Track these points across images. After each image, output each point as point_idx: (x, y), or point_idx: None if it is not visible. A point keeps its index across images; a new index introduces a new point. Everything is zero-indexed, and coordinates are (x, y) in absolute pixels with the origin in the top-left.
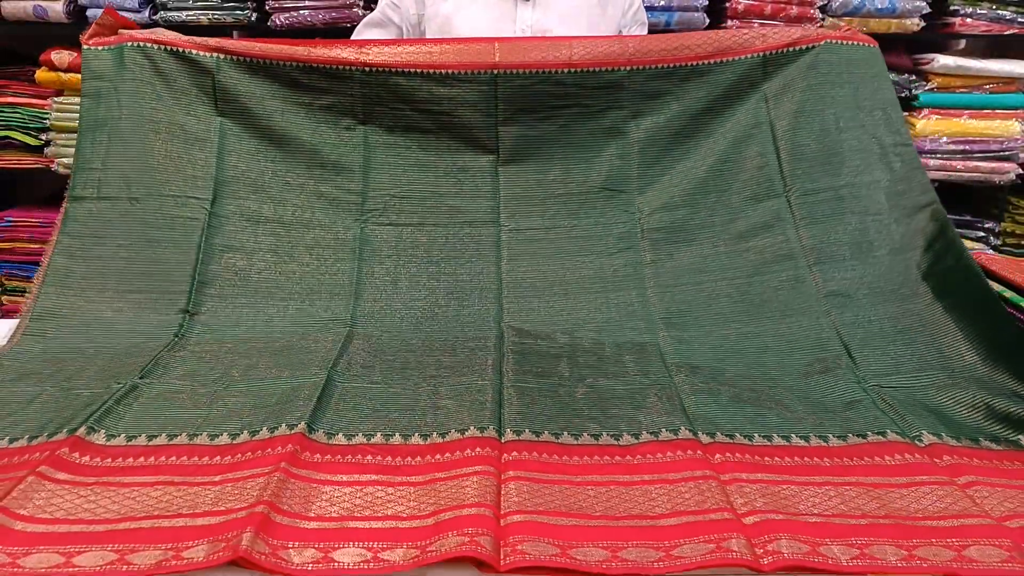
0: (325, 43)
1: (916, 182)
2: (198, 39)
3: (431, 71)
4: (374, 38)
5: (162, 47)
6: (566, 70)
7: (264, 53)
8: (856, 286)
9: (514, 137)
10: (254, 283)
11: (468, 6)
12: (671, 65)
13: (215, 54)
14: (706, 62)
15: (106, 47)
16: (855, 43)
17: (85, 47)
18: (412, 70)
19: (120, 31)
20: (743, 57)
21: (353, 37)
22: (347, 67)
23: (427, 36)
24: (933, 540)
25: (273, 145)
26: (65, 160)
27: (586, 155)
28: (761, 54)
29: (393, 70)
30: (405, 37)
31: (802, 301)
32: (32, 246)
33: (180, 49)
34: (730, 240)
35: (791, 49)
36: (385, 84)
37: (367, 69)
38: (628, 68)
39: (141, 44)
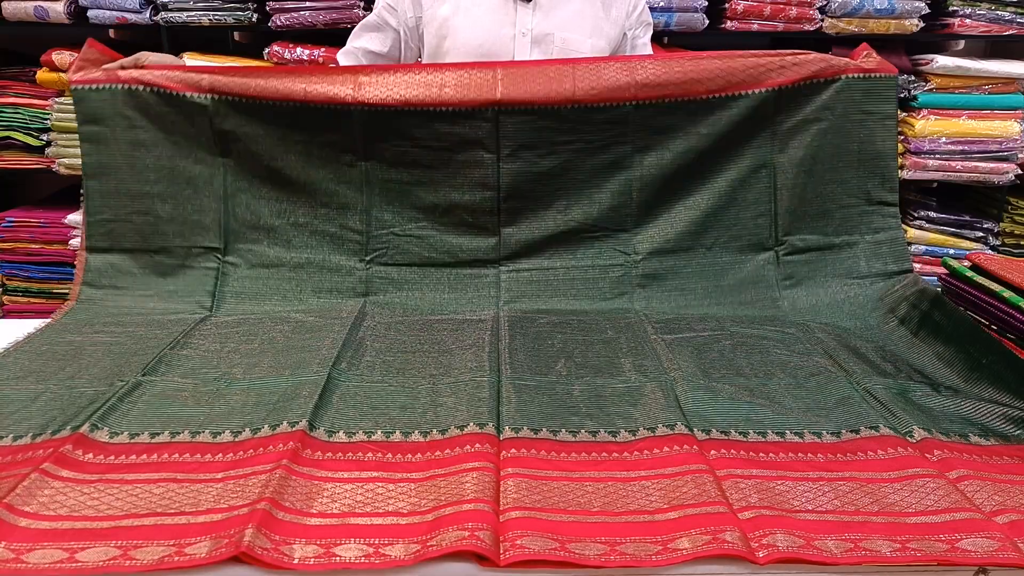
0: (321, 72)
1: (896, 249)
2: (188, 75)
3: (432, 108)
4: (370, 47)
5: (152, 90)
6: (569, 106)
7: (260, 92)
8: (840, 336)
9: (515, 173)
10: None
11: (468, 9)
12: (680, 99)
13: (209, 95)
14: (718, 95)
15: (95, 86)
16: (877, 75)
17: (72, 85)
18: (412, 108)
19: (105, 67)
20: (757, 91)
21: (349, 42)
22: (346, 105)
23: (425, 40)
24: (927, 536)
25: (276, 186)
26: (66, 161)
27: (587, 191)
28: (776, 88)
29: (392, 109)
30: (402, 41)
31: (788, 355)
32: (33, 246)
33: (172, 92)
34: (719, 294)
35: (810, 82)
36: (385, 122)
37: (366, 108)
38: (634, 103)
39: (131, 88)
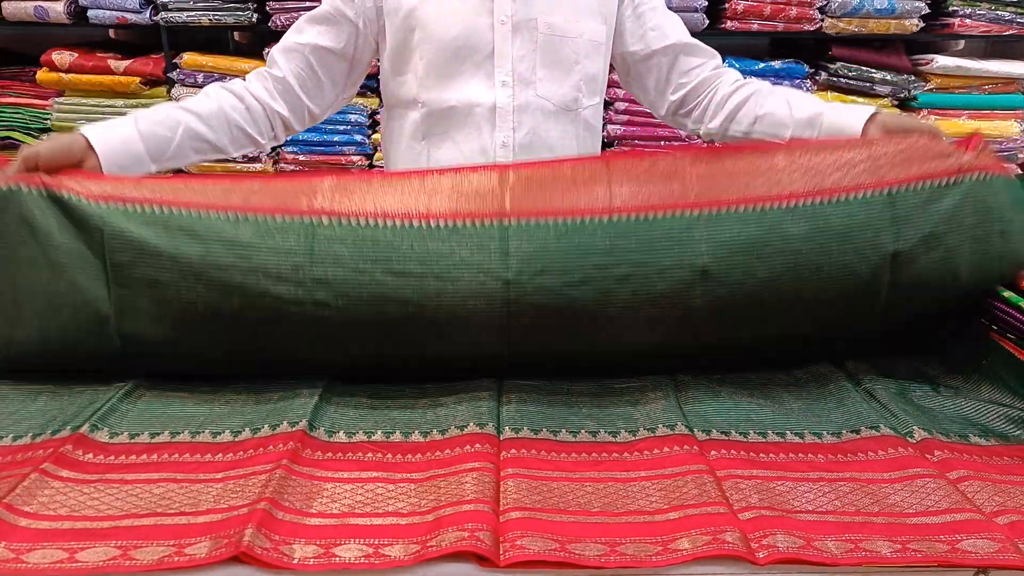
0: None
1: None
2: (86, 185)
3: (421, 223)
4: (321, 42)
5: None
6: (605, 219)
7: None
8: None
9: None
10: None
11: None
12: (745, 208)
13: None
14: (806, 202)
15: None
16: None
17: None
18: (396, 222)
19: None
20: (862, 195)
21: (290, 37)
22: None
23: (388, 34)
24: (927, 536)
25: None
26: None
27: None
28: (888, 190)
29: (363, 223)
30: (360, 35)
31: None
32: None
33: (62, 195)
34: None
35: (931, 184)
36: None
37: (322, 220)
38: (692, 212)
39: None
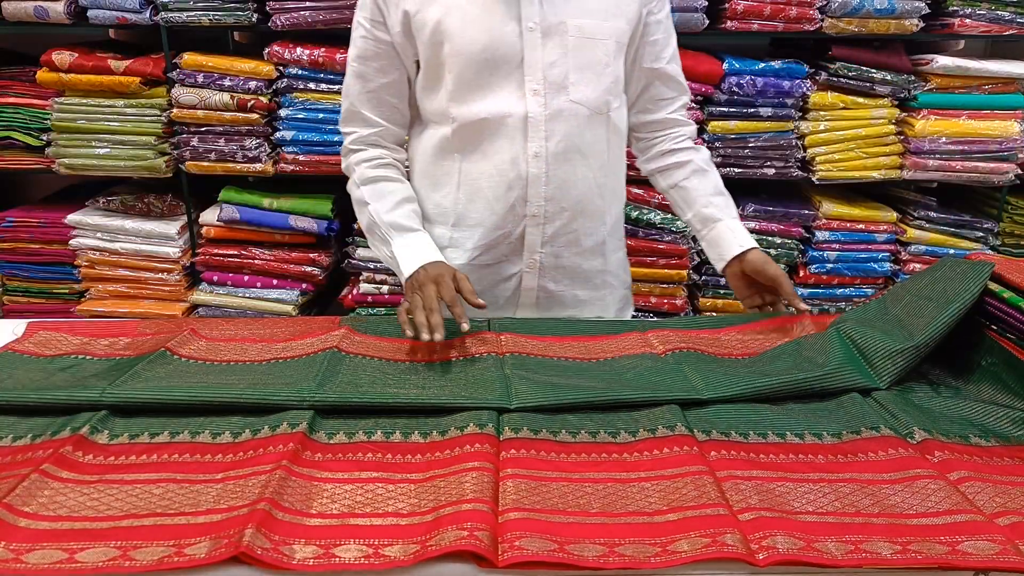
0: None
1: None
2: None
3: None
4: (386, 79)
5: None
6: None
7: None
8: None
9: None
10: None
11: (462, 8)
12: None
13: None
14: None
15: None
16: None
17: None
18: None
19: None
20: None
21: (355, 84)
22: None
23: (419, 48)
24: (928, 537)
25: None
26: (66, 161)
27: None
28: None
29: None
30: (401, 53)
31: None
32: (33, 246)
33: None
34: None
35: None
36: None
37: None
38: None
39: None
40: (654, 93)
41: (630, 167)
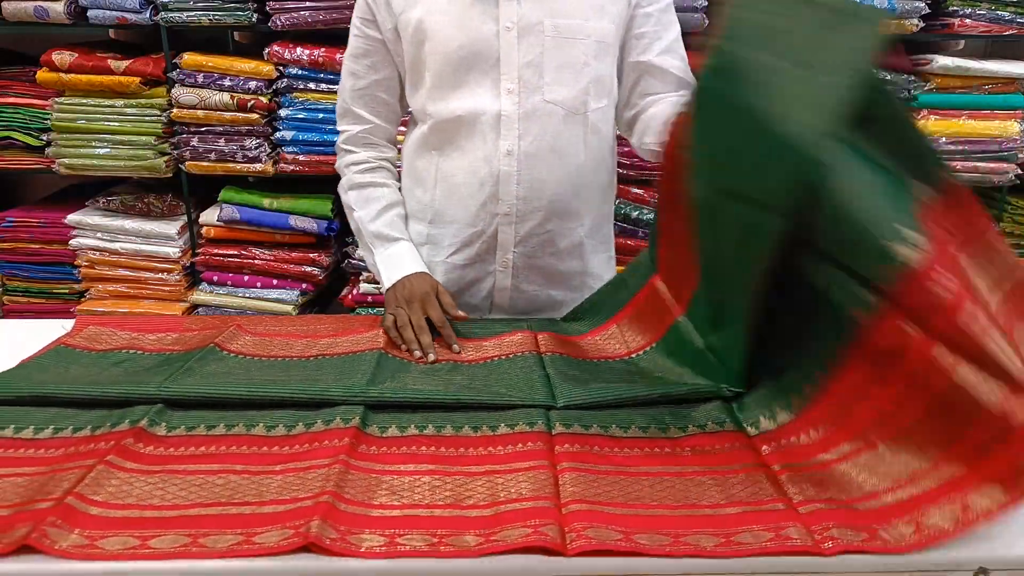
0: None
1: None
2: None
3: None
4: (378, 76)
5: None
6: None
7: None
8: None
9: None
10: None
11: (443, 8)
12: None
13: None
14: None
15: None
16: None
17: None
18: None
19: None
20: None
21: (349, 82)
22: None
23: (404, 46)
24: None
25: None
26: (66, 161)
27: None
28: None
29: None
30: (392, 50)
31: None
32: (33, 246)
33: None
34: None
35: None
36: None
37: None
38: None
39: None
40: (643, 88)
41: (630, 167)
